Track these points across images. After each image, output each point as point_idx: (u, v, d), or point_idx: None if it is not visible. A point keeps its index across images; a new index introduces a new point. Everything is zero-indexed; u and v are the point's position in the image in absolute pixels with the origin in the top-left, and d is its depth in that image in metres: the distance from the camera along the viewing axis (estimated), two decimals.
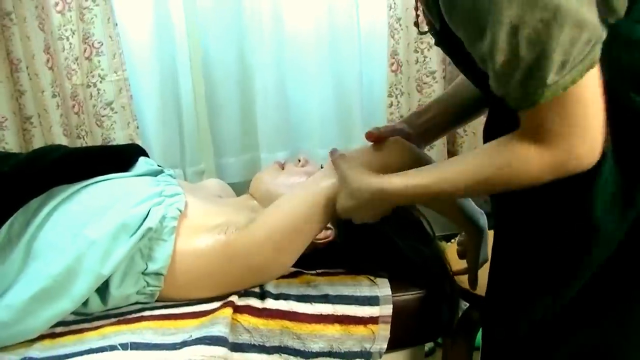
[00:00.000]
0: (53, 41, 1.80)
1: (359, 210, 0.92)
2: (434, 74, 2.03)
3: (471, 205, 1.07)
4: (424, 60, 2.03)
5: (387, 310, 0.99)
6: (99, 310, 0.96)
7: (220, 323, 0.91)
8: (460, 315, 1.32)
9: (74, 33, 1.81)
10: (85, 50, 1.81)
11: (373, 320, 0.98)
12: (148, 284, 0.96)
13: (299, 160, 1.23)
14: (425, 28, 0.88)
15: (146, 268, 0.95)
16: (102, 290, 0.94)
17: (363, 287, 1.02)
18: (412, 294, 1.04)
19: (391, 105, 2.09)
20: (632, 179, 0.75)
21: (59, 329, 0.92)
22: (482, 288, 1.01)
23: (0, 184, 0.95)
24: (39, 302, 0.88)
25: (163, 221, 0.97)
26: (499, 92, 0.71)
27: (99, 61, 1.82)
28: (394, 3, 2.00)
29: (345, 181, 0.94)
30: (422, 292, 1.04)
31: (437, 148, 2.12)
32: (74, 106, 1.86)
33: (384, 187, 0.87)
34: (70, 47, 1.82)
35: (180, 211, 1.01)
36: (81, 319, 0.95)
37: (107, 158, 1.09)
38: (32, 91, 1.78)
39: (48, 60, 1.78)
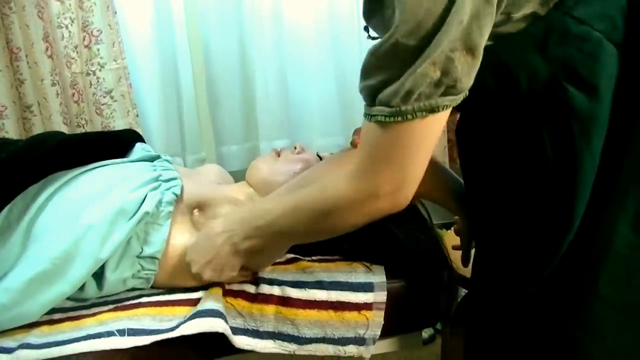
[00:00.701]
0: (52, 30, 1.79)
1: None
2: None
3: (463, 188, 1.08)
4: None
5: (381, 296, 1.00)
6: (95, 296, 0.97)
7: (211, 299, 0.92)
8: (458, 302, 1.33)
9: (73, 21, 1.81)
10: (84, 39, 1.81)
11: (367, 306, 0.98)
12: (143, 268, 0.97)
13: (295, 148, 1.23)
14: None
15: (141, 252, 0.96)
16: (98, 274, 0.95)
17: (358, 273, 1.03)
18: (408, 281, 1.04)
19: None
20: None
21: (57, 316, 0.93)
22: None
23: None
24: (38, 285, 0.89)
25: (159, 206, 0.98)
26: (360, 86, 0.72)
27: (98, 49, 1.82)
28: None
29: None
30: (419, 279, 1.05)
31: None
32: (73, 95, 1.86)
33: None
34: (70, 35, 1.81)
35: (176, 196, 1.02)
36: (79, 306, 0.96)
37: (104, 144, 1.10)
38: (32, 80, 1.78)
39: (47, 49, 1.78)
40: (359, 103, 2.14)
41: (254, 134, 2.10)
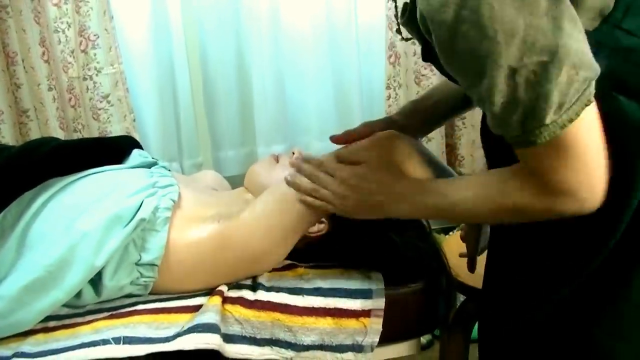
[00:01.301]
0: (49, 34, 1.79)
1: (364, 206, 0.91)
2: (431, 66, 2.01)
3: None
4: None
5: (379, 303, 0.99)
6: (92, 302, 0.96)
7: (210, 311, 0.91)
8: (457, 308, 1.32)
9: (69, 26, 1.81)
10: (81, 43, 1.81)
11: (365, 313, 0.97)
12: (142, 275, 0.96)
13: (293, 153, 1.22)
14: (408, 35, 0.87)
15: (140, 259, 0.95)
16: (96, 281, 0.94)
17: (356, 280, 1.02)
18: (407, 288, 1.03)
19: (389, 97, 2.08)
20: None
21: (52, 324, 0.92)
22: (478, 279, 1.02)
23: None
24: (32, 292, 0.88)
25: (156, 212, 0.97)
26: (496, 131, 0.70)
27: (95, 54, 1.82)
28: None
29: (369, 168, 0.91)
30: (418, 285, 1.04)
31: (435, 141, 2.12)
32: (70, 99, 1.86)
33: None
34: (66, 39, 1.82)
35: (173, 202, 1.01)
36: (74, 314, 0.95)
37: (101, 150, 1.09)
38: (28, 84, 1.78)
39: (44, 53, 1.77)
40: (355, 106, 2.14)
41: (251, 139, 2.10)
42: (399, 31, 0.88)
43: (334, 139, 1.03)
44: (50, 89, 1.79)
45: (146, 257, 0.96)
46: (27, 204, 0.96)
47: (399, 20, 0.85)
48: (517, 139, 0.68)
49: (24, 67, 1.76)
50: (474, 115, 1.95)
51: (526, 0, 0.61)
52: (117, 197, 0.97)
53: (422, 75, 2.04)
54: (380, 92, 2.11)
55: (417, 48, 2.02)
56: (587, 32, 0.67)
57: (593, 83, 0.65)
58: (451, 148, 2.22)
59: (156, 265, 0.97)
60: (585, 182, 0.68)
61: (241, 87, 2.06)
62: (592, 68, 0.64)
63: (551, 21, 0.62)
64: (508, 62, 0.63)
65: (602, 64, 0.66)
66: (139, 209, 0.96)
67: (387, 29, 2.02)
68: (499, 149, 0.79)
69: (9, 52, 1.75)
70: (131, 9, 1.89)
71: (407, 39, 0.89)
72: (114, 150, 1.11)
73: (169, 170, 1.13)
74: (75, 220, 0.93)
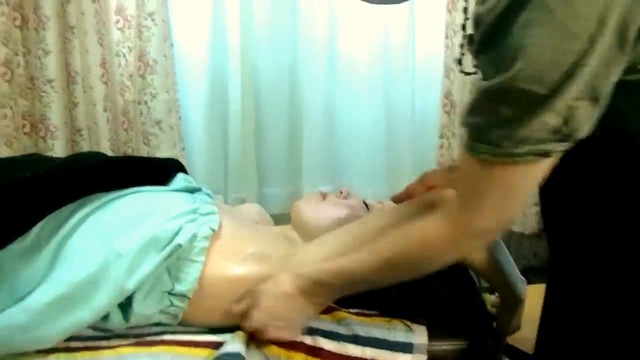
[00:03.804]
0: (110, 57, 1.82)
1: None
2: None
3: (512, 267, 1.01)
4: None
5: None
6: (120, 327, 0.91)
7: (235, 342, 0.85)
8: None
9: (130, 50, 1.84)
10: (139, 68, 1.83)
11: None
12: (172, 304, 0.92)
13: (341, 193, 1.18)
14: (470, 69, 0.83)
15: (173, 288, 0.91)
16: (125, 306, 0.90)
17: (397, 331, 0.95)
18: (451, 345, 0.96)
19: (442, 146, 2.02)
20: None
21: (74, 344, 0.88)
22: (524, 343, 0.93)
23: (33, 186, 0.93)
24: (58, 308, 0.85)
25: (194, 240, 0.93)
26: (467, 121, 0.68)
27: (152, 79, 1.83)
28: (451, 43, 1.96)
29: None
30: (463, 343, 0.96)
31: None
32: (123, 122, 1.87)
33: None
34: (126, 63, 1.84)
35: (213, 231, 0.97)
36: (100, 336, 0.91)
37: (145, 170, 1.07)
38: (85, 104, 1.80)
39: (103, 75, 1.80)
40: (407, 153, 2.08)
41: (298, 177, 2.06)
42: (460, 61, 0.84)
43: (396, 199, 1.03)
44: (105, 110, 1.81)
45: (179, 288, 0.92)
46: (66, 218, 0.93)
47: (463, 50, 0.81)
48: (468, 143, 0.67)
49: (83, 87, 1.79)
50: None
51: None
52: (156, 219, 0.94)
53: None
54: (432, 141, 2.06)
55: None
56: None
57: (569, 142, 0.62)
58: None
59: (187, 297, 0.92)
60: (486, 217, 0.69)
61: (292, 124, 2.04)
62: (578, 131, 0.62)
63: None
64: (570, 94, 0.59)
65: None
66: (176, 233, 0.92)
67: (445, 77, 1.98)
68: (567, 206, 0.74)
69: (70, 71, 1.78)
70: (191, 37, 1.90)
71: (468, 73, 0.84)
72: (158, 171, 1.09)
73: (212, 197, 1.09)
74: (111, 238, 0.90)
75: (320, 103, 1.99)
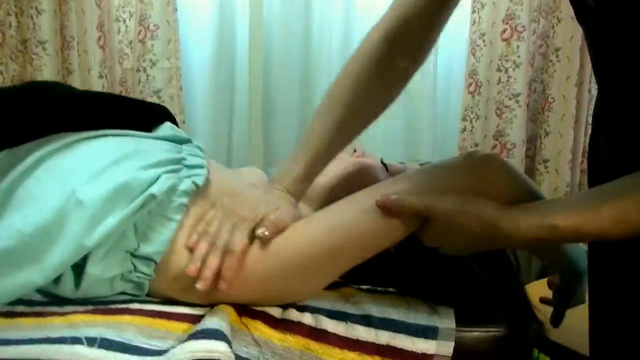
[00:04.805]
0: (109, 21, 1.70)
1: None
2: (517, 97, 1.78)
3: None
4: (508, 80, 1.79)
5: (446, 347, 0.74)
6: (71, 295, 0.74)
7: (217, 315, 0.69)
8: None
9: (131, 15, 1.72)
10: (139, 32, 1.69)
11: (426, 358, 0.73)
12: (135, 268, 0.75)
13: (355, 151, 1.01)
14: None
15: (137, 248, 0.74)
16: (80, 267, 0.73)
17: (419, 313, 0.78)
18: (484, 332, 0.78)
19: (464, 130, 1.86)
20: None
21: (20, 308, 0.72)
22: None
23: None
24: (2, 264, 0.68)
25: (172, 194, 0.77)
26: None
27: (152, 45, 1.70)
28: (479, 17, 1.80)
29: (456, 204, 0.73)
30: (500, 330, 0.79)
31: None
32: (121, 92, 1.74)
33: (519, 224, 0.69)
34: (126, 30, 1.74)
35: (197, 187, 0.79)
36: (52, 302, 0.74)
37: (125, 110, 0.89)
38: (80, 70, 1.66)
39: (100, 38, 1.66)
40: (426, 137, 1.91)
41: None
42: None
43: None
44: (100, 77, 1.67)
45: (145, 249, 0.74)
46: (21, 159, 0.76)
47: None
48: None
49: (78, 51, 1.65)
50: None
51: None
52: (130, 165, 0.77)
53: (506, 106, 1.80)
54: (454, 124, 1.90)
55: (502, 75, 1.79)
56: None
57: None
58: None
59: (154, 262, 0.75)
60: None
61: (302, 103, 1.88)
62: None
63: None
64: None
65: None
66: (152, 183, 0.75)
67: (470, 54, 1.82)
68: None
69: (65, 35, 1.65)
70: (197, 2, 1.76)
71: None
72: (141, 114, 0.91)
73: (203, 151, 0.92)
74: (73, 185, 0.73)
75: (334, 79, 1.83)
